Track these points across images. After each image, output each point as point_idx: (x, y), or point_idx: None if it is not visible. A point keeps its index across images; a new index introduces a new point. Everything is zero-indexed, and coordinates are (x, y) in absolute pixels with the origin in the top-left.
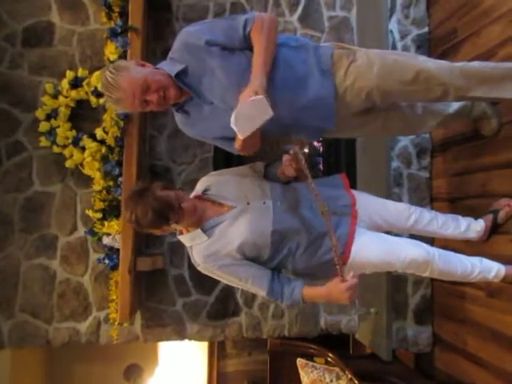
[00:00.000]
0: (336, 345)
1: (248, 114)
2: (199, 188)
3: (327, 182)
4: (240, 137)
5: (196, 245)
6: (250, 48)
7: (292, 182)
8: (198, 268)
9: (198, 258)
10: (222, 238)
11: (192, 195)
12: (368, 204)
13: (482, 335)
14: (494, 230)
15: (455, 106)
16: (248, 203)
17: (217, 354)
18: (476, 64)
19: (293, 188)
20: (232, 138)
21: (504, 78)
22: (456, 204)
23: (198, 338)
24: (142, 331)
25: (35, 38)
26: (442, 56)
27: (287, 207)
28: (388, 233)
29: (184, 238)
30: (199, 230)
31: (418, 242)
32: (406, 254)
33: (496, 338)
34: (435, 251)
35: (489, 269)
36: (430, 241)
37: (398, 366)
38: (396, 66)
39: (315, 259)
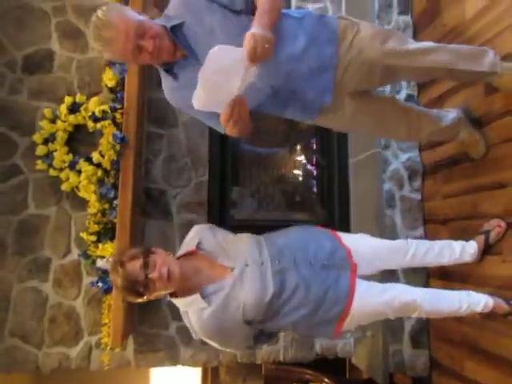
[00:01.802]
0: (332, 370)
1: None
2: (193, 242)
3: (319, 233)
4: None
5: (194, 311)
6: (253, 12)
7: (283, 232)
8: (194, 335)
9: (198, 324)
10: (224, 305)
11: (184, 251)
12: (365, 250)
13: (478, 358)
14: (487, 250)
15: (448, 120)
16: (246, 265)
17: (210, 381)
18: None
19: (288, 243)
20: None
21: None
22: (448, 225)
23: (192, 363)
24: (134, 356)
25: (35, 64)
26: None
27: (286, 266)
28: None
29: (178, 302)
30: (198, 296)
31: (406, 288)
32: (396, 301)
33: (492, 360)
34: (422, 294)
35: (477, 302)
36: (425, 272)
37: None
38: (397, 38)
39: (317, 317)
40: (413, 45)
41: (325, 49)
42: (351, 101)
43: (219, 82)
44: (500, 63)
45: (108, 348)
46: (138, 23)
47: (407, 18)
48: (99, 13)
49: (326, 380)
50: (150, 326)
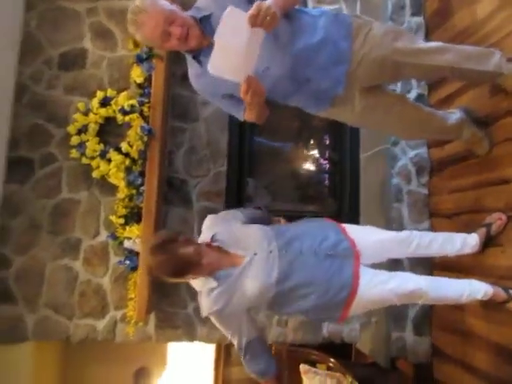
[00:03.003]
0: (338, 354)
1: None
2: (207, 234)
3: (326, 225)
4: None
5: (205, 291)
6: None
7: (292, 224)
8: (202, 313)
9: (205, 302)
10: (231, 289)
11: (200, 241)
12: (372, 241)
13: (480, 347)
14: (488, 242)
15: (452, 120)
16: (255, 253)
17: (223, 359)
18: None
19: (296, 234)
20: (241, 101)
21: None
22: (453, 219)
23: (207, 340)
24: (155, 331)
25: (70, 62)
26: None
27: (292, 255)
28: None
29: (195, 283)
30: (211, 278)
31: (411, 276)
32: (401, 289)
33: (494, 349)
34: (427, 282)
35: (477, 290)
36: (429, 264)
37: (397, 375)
38: (407, 37)
39: (324, 303)
40: (422, 44)
41: (340, 44)
42: (362, 96)
43: (231, 45)
44: (506, 64)
45: (133, 321)
46: (169, 11)
47: (419, 20)
48: (137, 1)
49: (332, 360)
50: (171, 304)
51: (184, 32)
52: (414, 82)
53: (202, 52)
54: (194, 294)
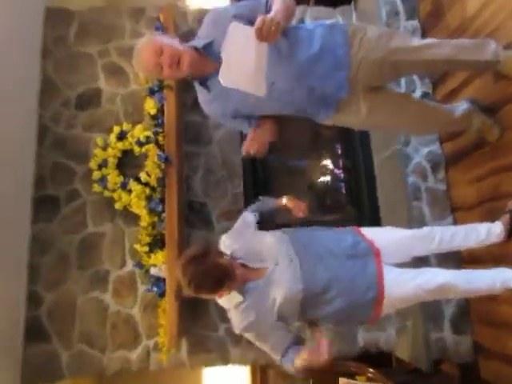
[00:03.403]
0: (377, 364)
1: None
2: (226, 253)
3: (341, 229)
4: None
5: (234, 307)
6: None
7: (305, 229)
8: (236, 330)
9: (236, 318)
10: (259, 300)
11: None
12: (393, 240)
13: None
14: None
15: (459, 111)
16: (276, 264)
17: (260, 379)
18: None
19: (312, 239)
20: (251, 117)
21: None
22: (475, 210)
23: (241, 361)
24: (188, 357)
25: (86, 101)
26: None
27: (313, 261)
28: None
29: (223, 301)
30: (236, 292)
31: (439, 271)
32: (429, 284)
33: None
34: (455, 275)
35: (509, 278)
36: (458, 258)
37: (442, 378)
38: (401, 36)
39: (354, 304)
40: (417, 41)
41: (337, 51)
42: (366, 97)
43: (239, 57)
44: (503, 52)
45: (165, 348)
46: (159, 45)
47: (415, 23)
48: (138, 43)
49: (371, 371)
50: (201, 328)
51: (173, 60)
52: (417, 82)
53: (208, 78)
54: (223, 315)
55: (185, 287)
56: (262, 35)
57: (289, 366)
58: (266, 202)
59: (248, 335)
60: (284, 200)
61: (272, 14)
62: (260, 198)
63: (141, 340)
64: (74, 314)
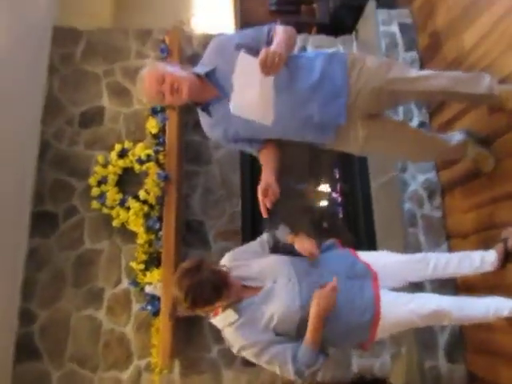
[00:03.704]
0: None
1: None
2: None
3: (338, 253)
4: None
5: (227, 326)
6: None
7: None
8: (233, 350)
9: (230, 337)
10: (255, 318)
11: None
12: (388, 263)
13: None
14: (507, 258)
15: (454, 140)
16: (275, 282)
17: None
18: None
19: (312, 261)
20: (252, 140)
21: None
22: (470, 238)
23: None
24: (180, 379)
25: (89, 119)
26: None
27: (312, 281)
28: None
29: (217, 321)
30: (231, 310)
31: (433, 296)
32: (423, 309)
33: None
34: (449, 302)
35: (502, 307)
36: (453, 286)
37: None
38: (399, 67)
39: (350, 326)
40: (414, 72)
41: (336, 80)
42: (363, 124)
43: (247, 87)
44: (497, 86)
45: (157, 368)
46: (160, 74)
47: (413, 54)
48: (142, 71)
49: None
50: (194, 349)
51: (174, 88)
52: (415, 111)
53: (210, 103)
54: (217, 337)
55: (181, 302)
56: (265, 67)
57: (304, 370)
58: (281, 232)
59: (246, 354)
60: (291, 239)
61: (274, 46)
62: (280, 226)
63: (132, 360)
64: (67, 332)
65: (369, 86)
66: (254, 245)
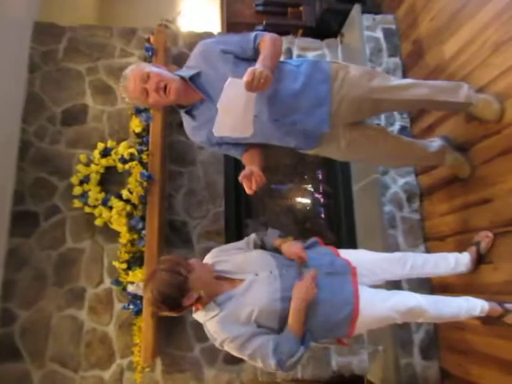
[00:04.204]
0: None
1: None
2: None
3: (319, 251)
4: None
5: (209, 320)
6: None
7: None
8: (215, 343)
9: (212, 330)
10: (236, 310)
11: None
12: (367, 261)
13: (483, 363)
14: (480, 260)
15: (433, 147)
16: (256, 274)
17: None
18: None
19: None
20: (237, 144)
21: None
22: (446, 241)
23: (216, 382)
24: (162, 377)
25: (72, 117)
26: None
27: (293, 274)
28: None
29: (198, 315)
30: (212, 303)
31: (410, 294)
32: (402, 305)
33: (496, 363)
34: (425, 300)
35: (474, 306)
36: (429, 286)
37: None
38: (381, 76)
39: (330, 321)
40: (395, 81)
41: (320, 87)
42: (346, 132)
43: (232, 110)
44: (475, 94)
45: (139, 367)
46: (145, 72)
47: (397, 60)
48: (125, 70)
49: None
50: (177, 347)
51: (160, 86)
52: (396, 115)
53: (194, 107)
54: (200, 336)
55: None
56: (251, 88)
57: (286, 361)
58: (270, 236)
59: (228, 347)
60: (279, 243)
61: (261, 62)
62: (269, 229)
63: (115, 359)
64: (48, 331)
65: (351, 94)
66: (239, 243)
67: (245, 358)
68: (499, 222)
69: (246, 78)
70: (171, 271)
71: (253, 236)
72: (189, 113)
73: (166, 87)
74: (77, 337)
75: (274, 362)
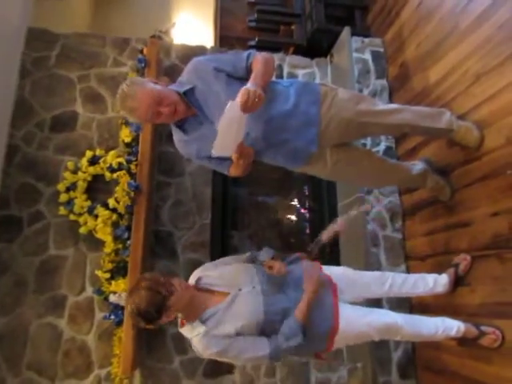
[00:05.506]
0: None
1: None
2: (191, 280)
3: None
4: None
5: (195, 336)
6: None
7: None
8: (202, 357)
9: (199, 347)
10: (220, 325)
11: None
12: (348, 278)
13: (457, 383)
14: (458, 282)
15: (415, 170)
16: (240, 289)
17: None
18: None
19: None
20: (225, 159)
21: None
22: (426, 261)
23: None
24: None
25: (61, 124)
26: None
27: (275, 289)
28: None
29: (185, 330)
30: (198, 322)
31: (388, 312)
32: (379, 322)
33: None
34: (403, 318)
35: (450, 327)
36: (408, 306)
37: None
38: (368, 101)
39: (310, 335)
40: (381, 106)
41: (310, 108)
42: (332, 153)
43: (230, 130)
44: (456, 121)
45: (117, 378)
46: (157, 93)
47: (383, 82)
48: (124, 86)
49: None
50: (156, 360)
51: (172, 109)
52: (382, 137)
53: (186, 121)
54: (180, 348)
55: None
56: (246, 108)
57: (280, 347)
58: (265, 255)
59: (221, 359)
60: (267, 264)
61: (252, 81)
62: (264, 248)
63: (93, 369)
64: (26, 339)
65: (339, 116)
66: (227, 258)
67: (238, 361)
68: (477, 245)
69: (240, 98)
70: (151, 290)
71: (247, 254)
72: (180, 127)
73: (175, 109)
74: (55, 345)
75: (269, 350)
